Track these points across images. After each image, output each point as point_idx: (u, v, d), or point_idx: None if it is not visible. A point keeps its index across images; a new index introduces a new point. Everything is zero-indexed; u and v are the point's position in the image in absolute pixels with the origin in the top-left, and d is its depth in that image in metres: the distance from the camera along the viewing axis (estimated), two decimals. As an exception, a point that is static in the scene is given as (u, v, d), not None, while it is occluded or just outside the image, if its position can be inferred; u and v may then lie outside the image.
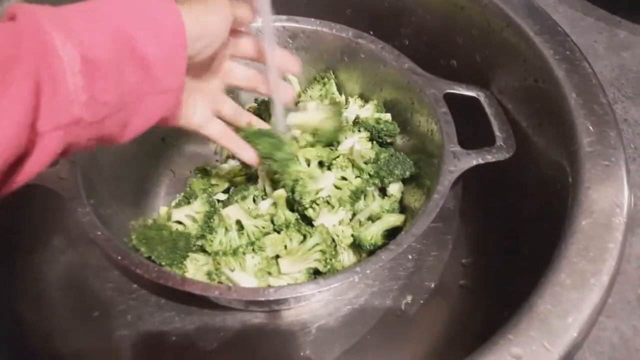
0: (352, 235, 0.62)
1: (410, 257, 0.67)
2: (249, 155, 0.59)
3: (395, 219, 0.62)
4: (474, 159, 0.57)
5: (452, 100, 0.61)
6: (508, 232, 0.64)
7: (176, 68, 0.41)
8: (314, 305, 0.62)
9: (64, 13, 0.36)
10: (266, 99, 0.73)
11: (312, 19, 0.69)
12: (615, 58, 0.59)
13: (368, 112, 0.70)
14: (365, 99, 0.72)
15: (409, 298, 0.62)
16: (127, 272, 0.54)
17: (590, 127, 0.51)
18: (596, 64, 0.58)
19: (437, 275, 0.65)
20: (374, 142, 0.68)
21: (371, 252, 0.59)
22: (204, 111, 0.54)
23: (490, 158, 0.57)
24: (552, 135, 0.56)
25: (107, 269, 0.61)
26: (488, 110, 0.62)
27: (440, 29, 0.71)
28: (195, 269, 0.58)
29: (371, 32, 0.72)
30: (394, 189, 0.66)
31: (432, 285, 0.64)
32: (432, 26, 0.71)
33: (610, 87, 0.57)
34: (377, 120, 0.67)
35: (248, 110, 0.73)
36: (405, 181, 0.66)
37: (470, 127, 0.61)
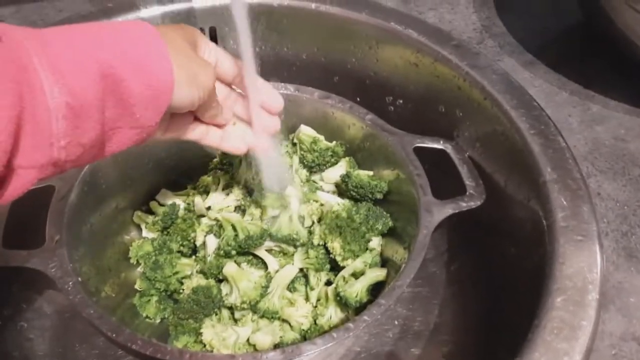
0: (338, 293, 0.63)
1: (396, 322, 0.68)
2: (234, 146, 0.55)
3: (378, 274, 0.63)
4: (449, 209, 0.59)
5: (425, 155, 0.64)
6: (492, 302, 0.65)
7: (156, 110, 0.40)
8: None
9: (52, 44, 0.35)
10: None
11: (279, 83, 0.72)
12: (588, 132, 0.62)
13: (341, 168, 0.72)
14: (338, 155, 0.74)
15: (395, 365, 0.63)
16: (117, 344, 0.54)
17: (565, 202, 0.53)
18: (570, 138, 0.60)
19: (423, 342, 0.66)
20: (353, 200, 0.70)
21: (357, 309, 0.61)
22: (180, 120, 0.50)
23: (464, 206, 0.59)
24: (530, 208, 0.58)
25: (93, 335, 0.61)
26: (456, 160, 0.64)
27: (423, 98, 0.73)
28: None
29: (358, 99, 0.75)
30: (375, 242, 0.67)
31: (417, 352, 0.65)
32: (416, 95, 0.74)
33: (584, 161, 0.59)
34: (371, 177, 0.69)
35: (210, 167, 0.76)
36: (383, 234, 0.68)
37: (444, 180, 0.63)
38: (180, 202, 0.71)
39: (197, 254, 0.69)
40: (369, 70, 0.77)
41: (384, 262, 0.67)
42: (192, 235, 0.69)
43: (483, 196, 0.60)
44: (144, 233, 0.70)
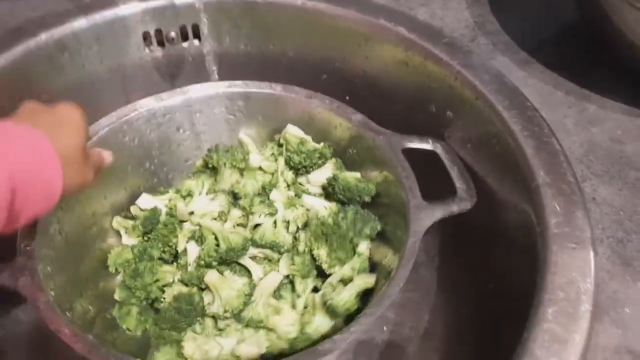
0: (325, 302, 0.61)
1: (385, 328, 0.66)
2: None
3: (367, 281, 0.61)
4: (438, 213, 0.57)
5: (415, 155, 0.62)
6: (484, 309, 0.63)
7: (50, 201, 0.45)
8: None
9: None
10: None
11: (263, 82, 0.70)
12: (584, 134, 0.59)
13: (328, 171, 0.70)
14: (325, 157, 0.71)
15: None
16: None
17: (558, 208, 0.51)
18: (565, 140, 0.58)
19: (412, 349, 0.64)
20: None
21: (347, 316, 0.59)
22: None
23: (454, 209, 0.57)
24: (522, 213, 0.55)
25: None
26: (446, 161, 0.62)
27: (413, 97, 0.71)
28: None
29: (347, 98, 0.73)
30: (363, 247, 0.65)
31: (407, 360, 0.63)
32: (406, 94, 0.72)
33: (579, 164, 0.56)
34: (359, 180, 0.67)
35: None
36: (372, 238, 0.65)
37: (435, 181, 0.60)
38: (162, 206, 0.69)
39: (179, 261, 0.67)
40: (358, 68, 0.74)
41: (373, 266, 0.64)
42: (174, 241, 0.67)
43: (474, 198, 0.58)
44: (124, 240, 0.68)
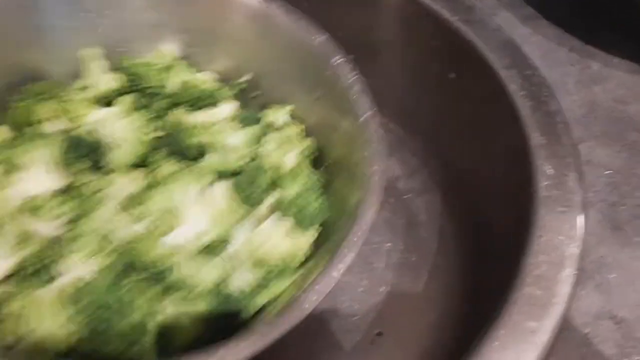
0: None
1: (382, 289, 0.66)
2: None
3: None
4: None
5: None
6: (480, 272, 0.63)
7: None
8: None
9: None
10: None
11: None
12: (585, 93, 0.57)
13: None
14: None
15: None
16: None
17: (550, 170, 0.50)
18: (565, 100, 0.56)
19: (411, 309, 0.64)
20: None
21: None
22: None
23: None
24: (517, 175, 0.54)
25: None
26: None
27: (414, 57, 0.69)
28: None
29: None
30: None
31: (404, 320, 0.63)
32: (407, 53, 0.70)
33: (578, 125, 0.54)
34: None
35: None
36: None
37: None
38: None
39: None
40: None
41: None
42: None
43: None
44: None
